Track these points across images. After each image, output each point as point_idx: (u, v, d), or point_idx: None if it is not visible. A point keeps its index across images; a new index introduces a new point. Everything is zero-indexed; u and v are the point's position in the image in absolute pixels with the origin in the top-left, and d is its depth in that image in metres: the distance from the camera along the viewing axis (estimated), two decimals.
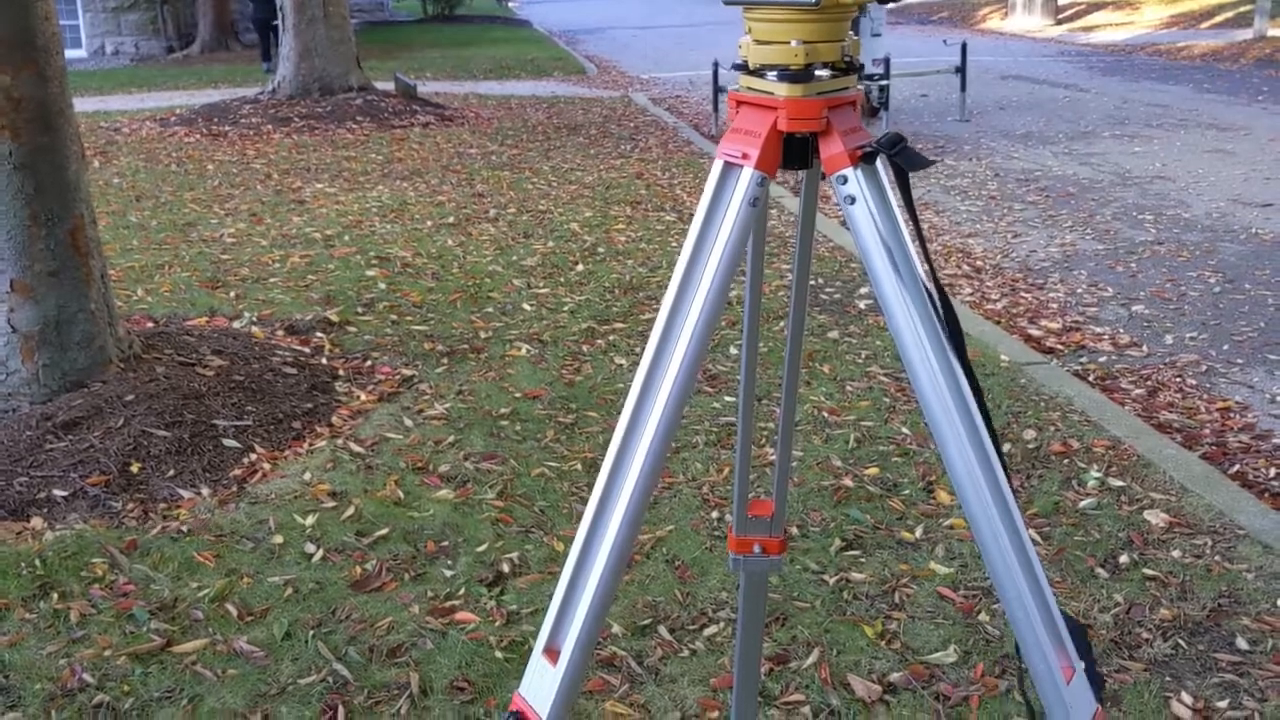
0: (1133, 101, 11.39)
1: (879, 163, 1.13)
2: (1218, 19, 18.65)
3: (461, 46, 18.94)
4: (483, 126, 10.03)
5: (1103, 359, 4.38)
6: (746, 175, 1.11)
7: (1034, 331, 4.70)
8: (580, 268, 5.39)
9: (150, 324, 4.39)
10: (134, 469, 3.14)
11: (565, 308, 4.76)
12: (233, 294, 4.92)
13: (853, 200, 1.10)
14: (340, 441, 3.42)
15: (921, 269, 1.12)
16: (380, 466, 3.25)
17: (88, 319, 3.47)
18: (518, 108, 11.50)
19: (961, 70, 10.28)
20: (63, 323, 3.41)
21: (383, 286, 5.05)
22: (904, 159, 1.09)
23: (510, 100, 12.13)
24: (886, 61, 9.60)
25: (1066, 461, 3.29)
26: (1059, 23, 20.52)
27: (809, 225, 1.32)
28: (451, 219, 6.41)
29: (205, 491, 3.09)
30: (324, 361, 4.11)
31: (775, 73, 1.10)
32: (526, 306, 4.77)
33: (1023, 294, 5.27)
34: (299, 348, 4.23)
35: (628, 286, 5.06)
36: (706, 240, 1.15)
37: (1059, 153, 8.73)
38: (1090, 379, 4.13)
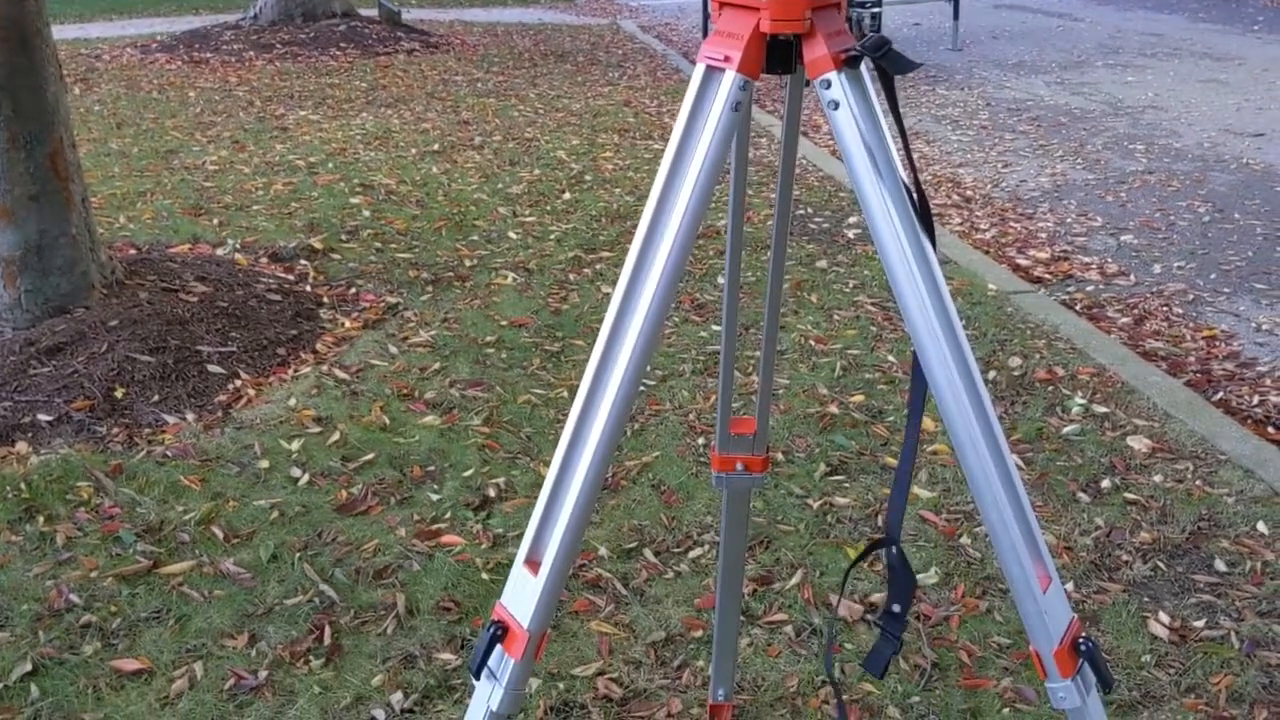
0: (1126, 31, 11.26)
1: (863, 67, 1.11)
2: None
3: None
4: (468, 54, 9.89)
5: (1090, 288, 4.38)
6: (729, 79, 1.09)
7: (1022, 261, 4.69)
8: (567, 196, 5.35)
9: (133, 251, 4.35)
10: (118, 394, 3.13)
11: (552, 236, 4.72)
12: (216, 221, 4.87)
13: (836, 105, 1.08)
14: (325, 368, 3.41)
15: (904, 175, 1.11)
16: (365, 393, 3.25)
17: (69, 244, 3.43)
18: (504, 35, 11.33)
19: None
20: (44, 247, 3.37)
21: (367, 214, 5.00)
22: (889, 62, 1.06)
23: (497, 27, 11.94)
24: None
25: (1051, 389, 3.30)
26: None
27: (793, 135, 1.31)
28: (436, 146, 6.34)
29: (190, 417, 3.08)
30: (308, 289, 4.08)
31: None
32: (512, 235, 4.73)
33: (1012, 224, 5.25)
34: (283, 275, 4.19)
35: (615, 215, 5.02)
36: (688, 147, 1.13)
37: (1051, 82, 8.65)
38: (1077, 308, 4.13)
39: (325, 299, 4.00)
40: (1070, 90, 8.31)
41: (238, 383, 3.29)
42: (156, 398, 3.15)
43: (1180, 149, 6.45)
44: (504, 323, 3.79)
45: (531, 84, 8.40)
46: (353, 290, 4.08)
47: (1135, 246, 4.86)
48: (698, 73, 1.12)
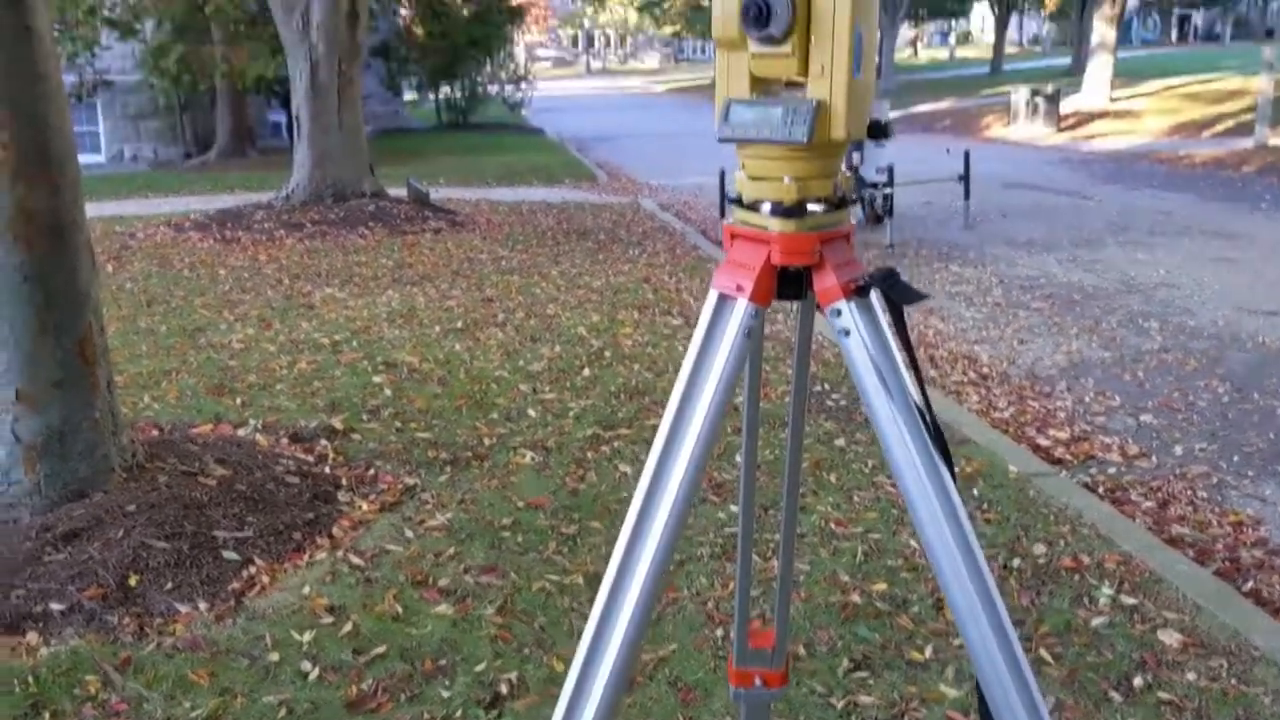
0: (1136, 209, 11.51)
1: (873, 294, 1.13)
2: (1218, 128, 18.95)
3: (475, 153, 19.30)
4: (493, 232, 10.17)
5: (1112, 470, 4.34)
6: (741, 307, 1.11)
7: (1042, 441, 4.67)
8: (587, 372, 5.40)
9: (156, 431, 4.39)
10: (132, 582, 3.10)
11: (570, 413, 4.75)
12: (239, 400, 4.92)
13: (847, 333, 1.10)
14: (340, 553, 3.38)
15: (915, 396, 1.12)
16: (379, 580, 3.21)
17: (92, 428, 3.47)
18: (528, 213, 11.67)
19: (965, 179, 10.43)
20: (67, 432, 3.41)
21: (388, 393, 5.05)
22: (897, 293, 1.09)
23: (521, 206, 12.31)
24: (890, 170, 9.75)
25: (1078, 577, 3.23)
26: (1061, 130, 20.87)
27: (805, 355, 1.32)
28: (460, 324, 6.45)
29: (203, 606, 3.05)
30: (327, 470, 4.09)
31: (768, 207, 1.11)
32: (532, 412, 4.76)
33: (1030, 402, 5.25)
34: (303, 456, 4.21)
35: (633, 390, 5.06)
36: (702, 370, 1.14)
37: (1063, 260, 8.80)
38: (1100, 491, 4.09)
39: (344, 480, 4.00)
40: (1083, 267, 8.44)
41: (252, 569, 3.26)
42: (170, 585, 3.13)
43: (1195, 327, 6.50)
44: (521, 504, 3.77)
45: (554, 261, 8.60)
46: (371, 471, 4.09)
47: (1155, 427, 4.84)
48: (710, 300, 1.15)
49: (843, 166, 1.15)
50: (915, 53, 57.53)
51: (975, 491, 3.92)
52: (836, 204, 1.13)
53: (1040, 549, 3.43)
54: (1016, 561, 3.35)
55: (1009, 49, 43.23)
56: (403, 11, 22.55)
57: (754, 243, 1.12)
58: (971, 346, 6.30)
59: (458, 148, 20.51)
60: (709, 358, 1.14)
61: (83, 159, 13.69)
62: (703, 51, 66.54)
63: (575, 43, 73.60)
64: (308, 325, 6.48)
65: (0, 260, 3.24)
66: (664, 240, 9.73)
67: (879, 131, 1.11)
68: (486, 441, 4.39)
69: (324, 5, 10.26)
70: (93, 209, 12.61)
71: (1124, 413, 5.06)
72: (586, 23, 66.73)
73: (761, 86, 1.10)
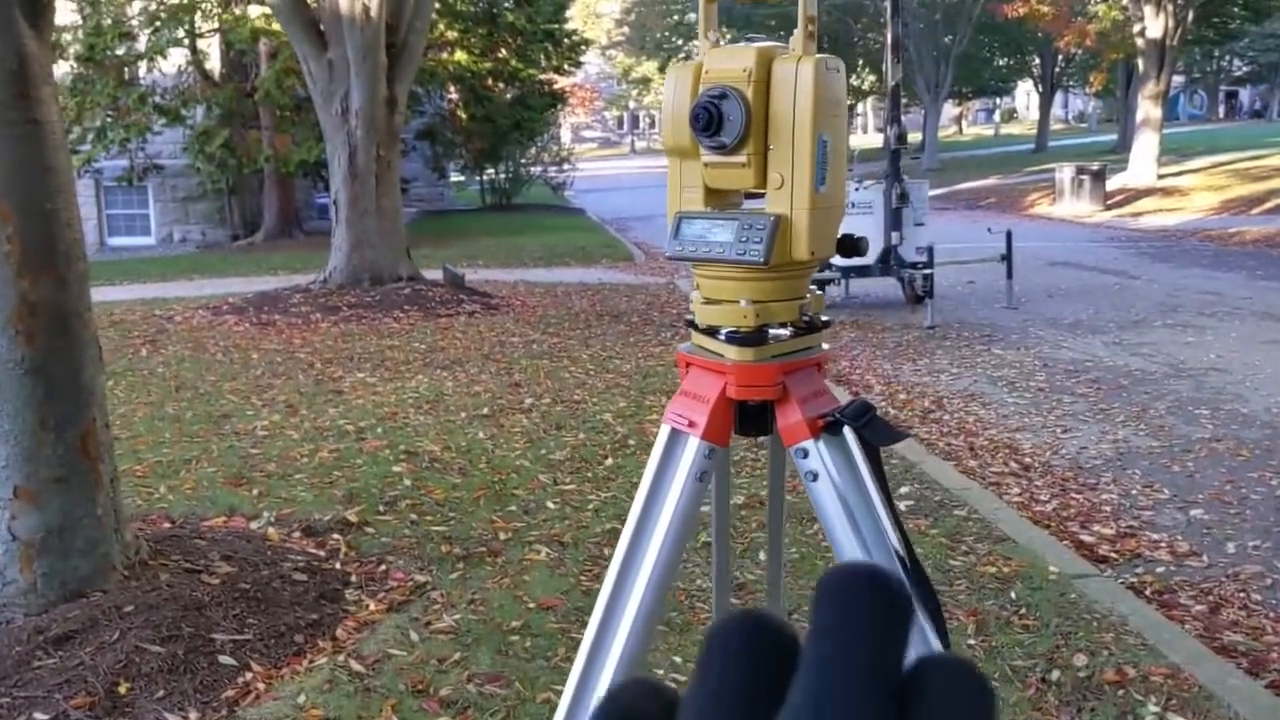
0: (1184, 289, 11.26)
1: (846, 433, 0.99)
2: (1269, 204, 18.66)
3: (515, 234, 19.44)
4: (527, 315, 10.13)
5: (1160, 569, 4.11)
6: (693, 446, 0.98)
7: (1086, 537, 4.45)
8: (609, 461, 5.27)
9: (167, 524, 4.30)
10: (122, 690, 2.98)
11: (590, 506, 4.60)
12: (255, 491, 4.83)
13: (815, 477, 0.96)
14: (341, 658, 3.24)
15: (897, 548, 0.97)
16: (379, 689, 3.06)
17: (93, 525, 3.38)
18: (563, 295, 11.65)
19: (1007, 258, 10.26)
20: (66, 529, 3.32)
21: (408, 483, 4.94)
22: (872, 432, 0.95)
23: (557, 287, 12.30)
24: (930, 250, 9.61)
25: (1122, 692, 3.01)
26: (1107, 208, 20.65)
27: (778, 500, 1.18)
28: (486, 410, 6.36)
29: (193, 716, 2.91)
30: (337, 566, 3.97)
31: (725, 333, 0.98)
32: (550, 504, 4.62)
33: (1074, 495, 5.03)
34: (313, 551, 4.10)
35: None
36: (652, 514, 1.01)
37: (1109, 342, 8.57)
38: (1147, 593, 3.86)
39: (353, 577, 3.88)
40: (1129, 351, 8.21)
41: (248, 675, 3.12)
42: (161, 693, 3.00)
43: (1248, 414, 6.24)
44: (532, 605, 3.62)
45: (585, 344, 8.52)
46: (382, 568, 3.96)
47: (1206, 522, 4.60)
48: (663, 434, 1.02)
49: (812, 285, 1.02)
50: (960, 130, 57.71)
51: (1013, 594, 3.71)
52: (804, 329, 1.00)
53: (1081, 660, 3.21)
54: (1056, 674, 3.13)
55: (1054, 126, 43.20)
56: (450, 95, 22.96)
57: (709, 373, 0.99)
58: (1013, 434, 6.09)
59: (499, 229, 20.69)
60: (659, 500, 1.00)
61: (133, 241, 14.00)
62: None
63: (621, 124, 74.66)
64: (334, 411, 6.42)
65: (2, 354, 3.19)
66: None
67: (851, 249, 0.98)
68: (502, 536, 4.25)
69: (363, 92, 10.41)
70: (136, 291, 12.82)
71: (1173, 507, 4.82)
72: (631, 104, 67.74)
73: (717, 199, 0.99)
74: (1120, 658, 3.22)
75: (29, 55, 3.16)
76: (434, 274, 11.67)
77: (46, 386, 3.26)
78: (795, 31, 0.95)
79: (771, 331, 0.97)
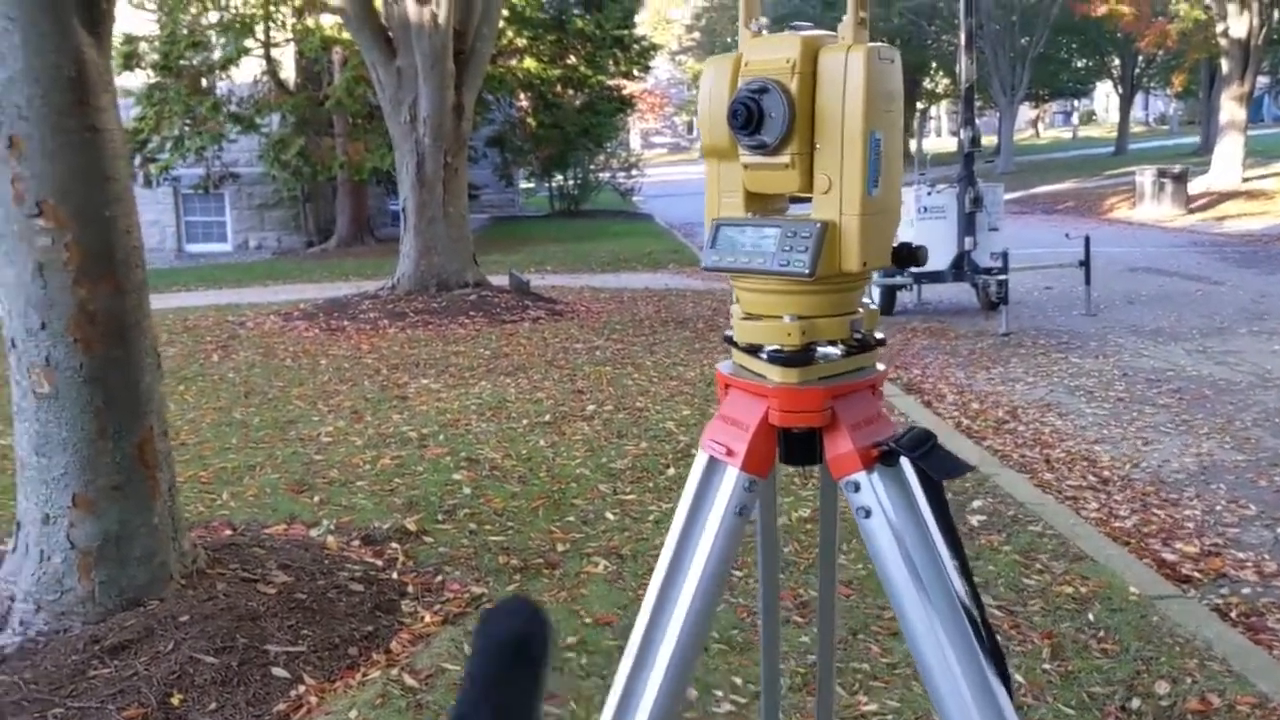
0: (1271, 295, 10.85)
1: (904, 463, 0.89)
2: None
3: (583, 240, 19.45)
4: (591, 320, 10.08)
5: (1246, 590, 3.90)
6: (731, 477, 0.89)
7: (1168, 555, 4.25)
8: (671, 471, 5.17)
9: (228, 531, 4.30)
10: (175, 701, 2.96)
11: (650, 517, 4.52)
12: (317, 499, 4.83)
13: (867, 513, 0.86)
14: (395, 672, 3.19)
15: (960, 593, 0.87)
16: (431, 705, 3.00)
17: (150, 534, 3.37)
18: (629, 301, 11.58)
19: (1085, 263, 9.98)
20: (123, 538, 3.32)
21: (467, 491, 4.90)
22: (934, 464, 0.85)
23: (623, 293, 12.25)
24: (1005, 256, 9.38)
25: None
26: (1190, 212, 20.06)
27: (830, 534, 1.08)
28: (548, 417, 6.30)
29: None
30: (394, 576, 3.93)
31: (767, 352, 0.89)
32: (609, 515, 4.54)
33: (1155, 510, 4.82)
34: (371, 560, 4.06)
35: None
36: (687, 551, 0.92)
37: (1192, 350, 8.27)
38: (1233, 615, 3.67)
39: (410, 588, 3.83)
40: (1213, 360, 7.91)
41: (300, 689, 3.09)
42: (214, 705, 2.97)
43: None
44: (589, 620, 3.54)
45: (649, 351, 8.44)
46: (439, 578, 3.91)
47: None
48: (699, 462, 0.93)
49: (865, 299, 0.92)
50: (1036, 133, 56.64)
51: (1091, 616, 3.54)
52: (855, 347, 0.90)
53: (1163, 687, 3.04)
54: (1136, 703, 2.97)
55: (1134, 128, 42.19)
56: (519, 102, 23.07)
57: (750, 396, 0.90)
58: (1091, 446, 5.88)
59: (567, 235, 20.73)
60: (695, 535, 0.91)
61: (210, 248, 14.26)
62: None
63: (690, 129, 74.62)
64: (398, 418, 6.41)
65: (60, 362, 3.19)
66: None
67: (908, 259, 0.88)
68: (560, 547, 4.18)
69: (430, 99, 10.45)
70: (212, 297, 13.04)
71: (1260, 524, 4.60)
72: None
73: (758, 204, 0.90)
74: (1204, 685, 3.05)
75: (87, 62, 3.16)
76: (501, 280, 11.68)
77: (104, 394, 3.26)
78: (844, 18, 0.86)
79: (819, 350, 0.88)
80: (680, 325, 9.72)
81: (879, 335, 0.92)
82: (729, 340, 0.94)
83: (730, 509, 0.88)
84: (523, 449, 5.62)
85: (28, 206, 3.13)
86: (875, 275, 10.79)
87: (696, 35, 49.77)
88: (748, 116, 0.83)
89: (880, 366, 0.92)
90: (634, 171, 29.30)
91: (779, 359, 0.87)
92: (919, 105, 43.32)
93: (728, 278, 0.90)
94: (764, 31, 0.91)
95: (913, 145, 44.75)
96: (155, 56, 16.52)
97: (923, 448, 0.84)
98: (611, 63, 23.02)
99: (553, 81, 21.63)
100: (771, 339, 0.88)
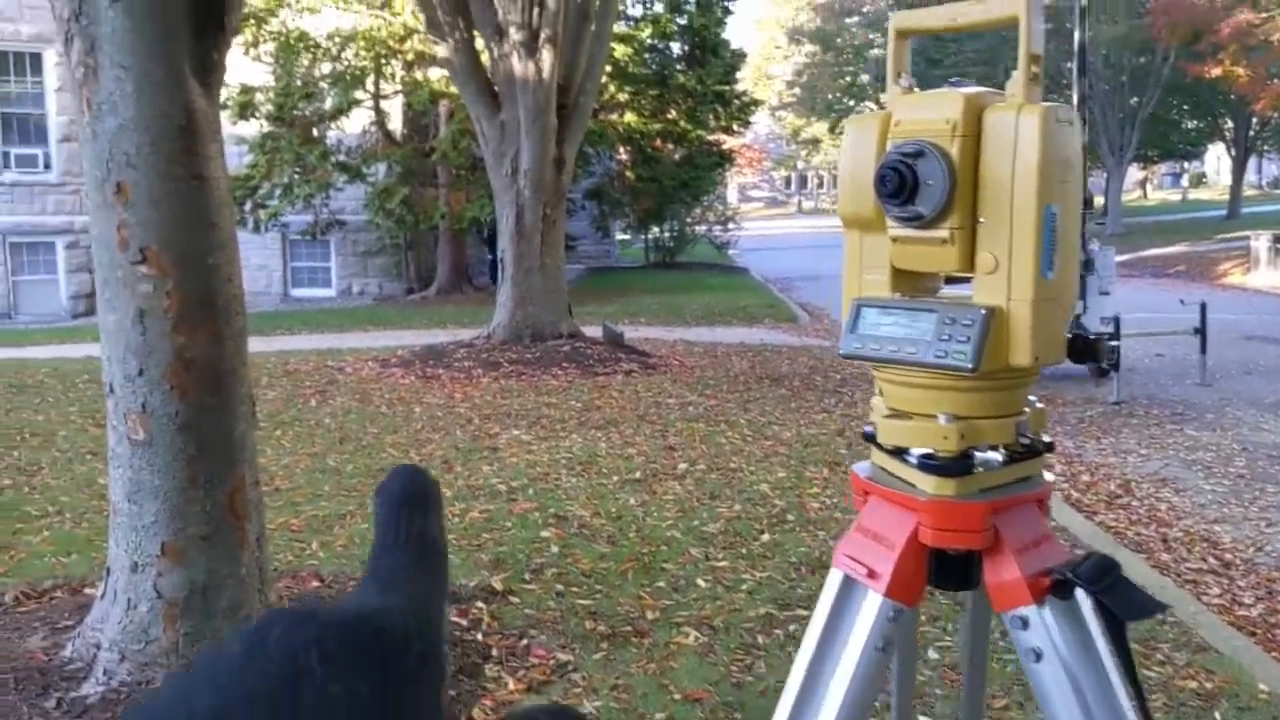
0: None
1: (1080, 596, 0.75)
2: None
3: (677, 292, 19.41)
4: (684, 375, 9.97)
5: None
6: (873, 604, 0.76)
7: None
8: (766, 537, 5.00)
9: (315, 583, 4.26)
10: None
11: (743, 586, 4.35)
12: None
13: (1038, 656, 0.72)
14: None
15: None
16: None
17: (237, 585, 3.33)
18: (723, 355, 11.45)
19: (1201, 331, 9.57)
20: (210, 589, 3.28)
21: (555, 550, 4.79)
22: (1117, 600, 0.71)
23: (717, 347, 12.12)
24: (1116, 321, 9.03)
25: None
26: None
27: (979, 669, 0.94)
28: (638, 474, 6.19)
29: None
30: (479, 637, 3.83)
31: (917, 457, 0.76)
32: (701, 582, 4.39)
33: None
34: (455, 619, 3.97)
35: (816, 564, 4.62)
36: (819, 684, 0.79)
37: None
38: None
39: (494, 651, 3.72)
40: None
41: None
42: None
43: None
44: (678, 696, 3.38)
45: (743, 408, 8.28)
46: (524, 642, 3.80)
47: None
48: (833, 580, 0.80)
49: (1031, 400, 0.79)
50: (1144, 194, 55.30)
51: (1217, 715, 3.28)
52: (1021, 453, 0.77)
53: None
54: None
55: (1247, 191, 40.88)
56: (619, 155, 23.26)
57: (896, 508, 0.77)
58: (1210, 526, 5.55)
59: (661, 287, 20.73)
60: (828, 666, 0.78)
61: (314, 293, 14.56)
62: None
63: (788, 184, 74.58)
64: (488, 469, 6.36)
65: (155, 409, 3.18)
66: (862, 389, 9.27)
67: (1087, 351, 0.75)
68: (650, 615, 4.04)
69: (531, 152, 10.54)
70: (314, 341, 13.25)
71: None
72: (800, 165, 67.63)
73: (907, 284, 0.78)
74: None
75: (197, 112, 3.18)
76: (595, 331, 11.66)
77: (198, 443, 3.24)
78: (1014, 74, 0.74)
79: (979, 456, 0.75)
80: (775, 383, 9.54)
81: (1046, 439, 0.78)
82: (869, 438, 0.81)
83: (871, 643, 0.75)
84: (612, 507, 5.50)
85: (132, 253, 3.14)
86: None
87: (797, 91, 49.86)
88: (899, 183, 0.72)
89: (1049, 477, 0.79)
90: (730, 225, 29.26)
91: (932, 466, 0.75)
92: None
93: (869, 367, 0.79)
94: (914, 88, 0.80)
95: None
96: (270, 107, 17.03)
97: (1105, 580, 0.71)
98: (712, 118, 23.09)
99: (652, 135, 21.76)
100: (923, 441, 0.75)
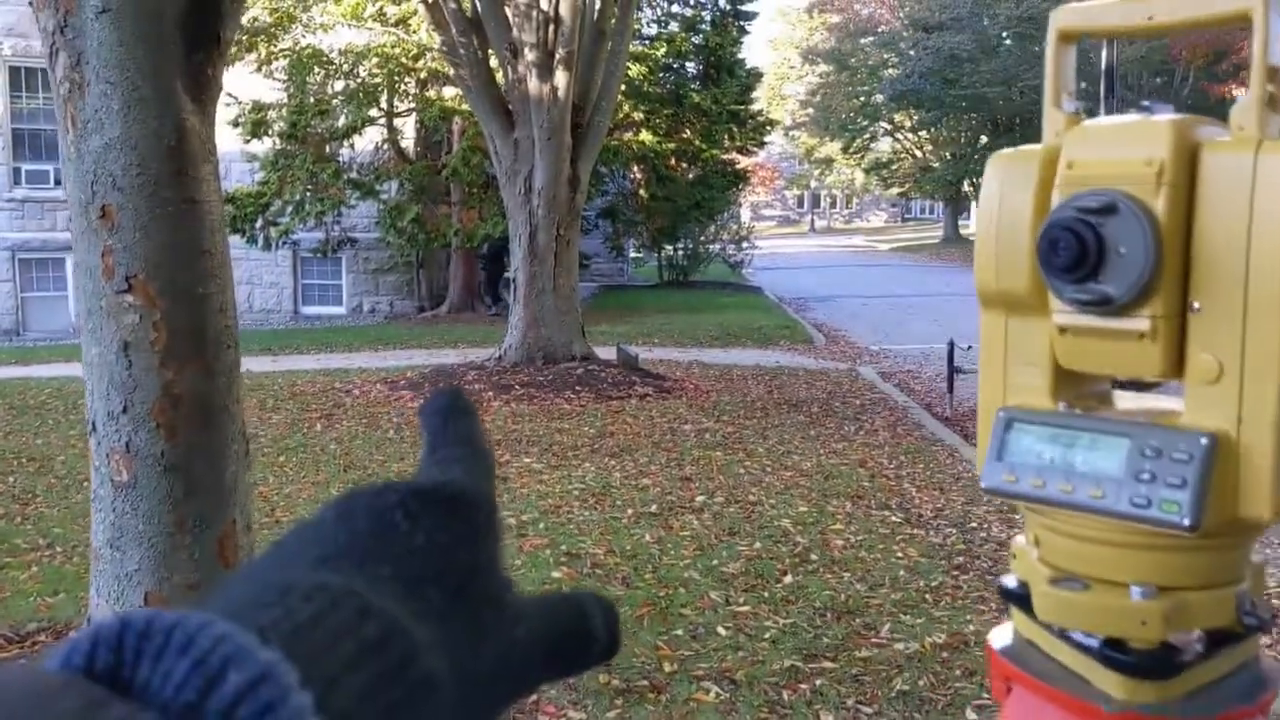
0: None
1: None
2: None
3: (691, 312, 19.18)
4: (700, 399, 9.73)
5: None
6: None
7: None
8: (788, 579, 4.76)
9: None
10: None
11: (767, 634, 4.11)
12: None
13: None
14: None
15: None
16: None
17: None
18: (739, 379, 11.21)
19: None
20: None
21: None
22: None
23: (732, 370, 11.89)
24: None
25: None
26: None
27: None
28: (654, 507, 5.95)
29: None
30: None
31: (1096, 642, 0.53)
32: (722, 630, 4.15)
33: None
34: None
35: (841, 609, 4.38)
36: None
37: None
38: None
39: None
40: None
41: None
42: None
43: None
44: None
45: (761, 435, 8.04)
46: (533, 698, 3.56)
47: None
48: None
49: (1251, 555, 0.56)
50: None
51: None
52: (1237, 635, 0.54)
53: None
54: None
55: None
56: (633, 174, 23.10)
57: (1057, 712, 0.54)
58: None
59: (675, 306, 20.50)
60: None
61: (325, 310, 14.40)
62: (930, 211, 66.05)
63: (801, 202, 74.46)
64: (498, 501, 6.13)
65: (140, 449, 2.97)
66: (884, 415, 9.03)
67: None
68: (666, 667, 3.80)
69: (545, 171, 10.35)
70: (322, 360, 13.06)
71: None
72: (813, 184, 67.48)
73: (1071, 388, 0.55)
74: None
75: (189, 131, 2.98)
76: (608, 352, 11.44)
77: (186, 484, 3.02)
78: (1241, 96, 0.53)
79: (1176, 638, 0.52)
80: (793, 408, 9.30)
81: (1270, 611, 0.56)
82: (1011, 597, 0.58)
83: None
84: (627, 543, 5.27)
85: (117, 282, 2.93)
86: None
87: (810, 110, 49.76)
88: (1079, 252, 0.50)
89: (1266, 665, 0.56)
90: (744, 244, 29.04)
91: (1123, 662, 0.52)
92: None
93: (1022, 506, 0.57)
94: (1083, 115, 0.58)
95: None
96: (282, 124, 16.91)
97: None
98: (727, 137, 22.92)
99: (667, 155, 21.58)
100: (1108, 624, 0.53)
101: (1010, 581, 0.59)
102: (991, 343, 0.57)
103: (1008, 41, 37.52)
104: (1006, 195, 0.56)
